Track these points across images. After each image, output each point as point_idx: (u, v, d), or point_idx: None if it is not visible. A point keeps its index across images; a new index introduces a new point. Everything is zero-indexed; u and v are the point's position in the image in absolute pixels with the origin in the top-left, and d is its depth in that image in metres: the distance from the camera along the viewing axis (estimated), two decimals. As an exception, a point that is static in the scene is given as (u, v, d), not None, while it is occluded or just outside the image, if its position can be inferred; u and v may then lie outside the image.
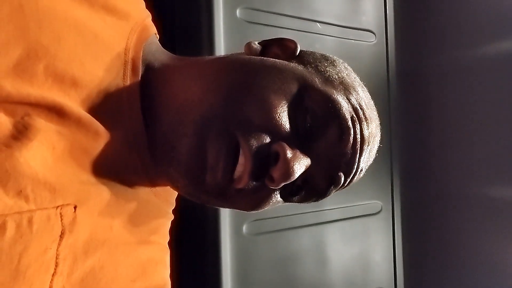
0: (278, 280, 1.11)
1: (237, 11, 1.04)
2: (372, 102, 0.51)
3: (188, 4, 1.04)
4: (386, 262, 1.36)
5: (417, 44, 1.50)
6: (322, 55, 0.53)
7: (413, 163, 1.49)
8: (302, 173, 0.44)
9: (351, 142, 0.45)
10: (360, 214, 1.29)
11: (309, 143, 0.44)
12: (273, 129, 0.43)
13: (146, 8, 0.52)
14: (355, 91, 0.48)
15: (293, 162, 0.42)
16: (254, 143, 0.41)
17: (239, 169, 0.41)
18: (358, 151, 0.46)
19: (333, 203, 1.21)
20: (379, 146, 0.52)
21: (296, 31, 1.14)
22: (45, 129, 0.37)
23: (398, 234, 1.39)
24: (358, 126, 0.46)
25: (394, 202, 1.38)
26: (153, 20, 0.52)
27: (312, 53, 0.52)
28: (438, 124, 1.48)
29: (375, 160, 0.53)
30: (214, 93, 0.43)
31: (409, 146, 1.48)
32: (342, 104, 0.45)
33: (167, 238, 0.54)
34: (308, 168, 0.44)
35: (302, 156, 0.43)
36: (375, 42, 1.34)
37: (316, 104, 0.45)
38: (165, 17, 1.06)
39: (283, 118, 0.43)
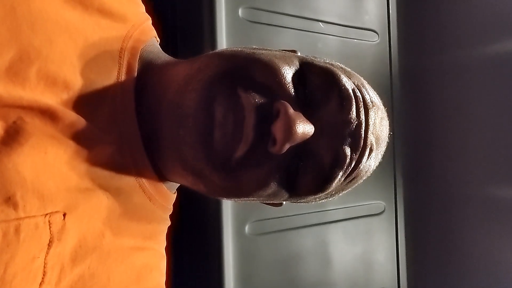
0: (280, 280, 1.11)
1: (239, 11, 1.04)
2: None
3: (190, 4, 1.04)
4: (389, 263, 1.35)
5: (420, 44, 1.50)
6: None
7: (416, 163, 1.48)
8: (305, 146, 0.42)
9: (354, 109, 0.44)
10: (363, 214, 1.29)
11: (312, 113, 0.43)
12: (277, 88, 0.42)
13: (148, 9, 0.52)
14: (355, 77, 0.48)
15: (295, 119, 0.40)
16: (256, 99, 0.41)
17: (245, 126, 0.40)
18: (364, 120, 0.44)
19: (336, 203, 1.21)
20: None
21: (299, 31, 1.13)
22: (37, 134, 0.37)
23: (401, 235, 1.38)
24: (360, 96, 0.45)
25: (397, 202, 1.37)
26: (155, 20, 0.52)
27: None
28: (441, 124, 1.47)
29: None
30: (217, 60, 0.44)
31: (412, 146, 1.47)
32: (342, 77, 0.45)
33: (163, 244, 0.52)
34: (311, 139, 0.42)
35: (305, 119, 0.42)
36: (378, 41, 1.34)
37: (317, 76, 0.44)
38: (167, 17, 1.06)
39: (287, 79, 0.43)
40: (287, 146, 0.41)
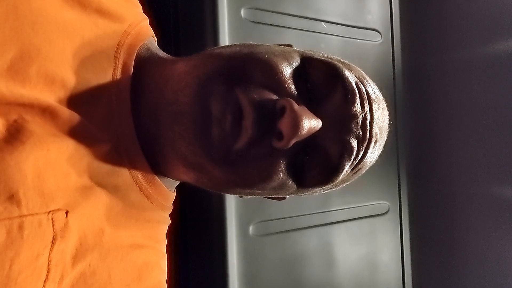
0: (285, 281, 1.11)
1: (242, 11, 1.04)
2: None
3: (192, 5, 1.04)
4: (394, 263, 1.35)
5: (423, 43, 1.49)
6: None
7: (420, 163, 1.48)
8: (311, 139, 0.42)
9: (359, 101, 0.44)
10: (367, 215, 1.28)
11: (315, 107, 0.43)
12: (277, 86, 0.42)
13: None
14: (356, 70, 0.48)
15: (302, 115, 0.40)
16: (256, 97, 0.41)
17: (244, 123, 0.40)
18: (368, 112, 0.44)
19: (340, 204, 1.21)
20: (386, 142, 0.50)
21: (301, 31, 1.13)
22: (39, 132, 0.37)
23: (406, 235, 1.38)
24: (363, 88, 0.45)
25: (402, 203, 1.37)
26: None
27: None
28: (445, 124, 1.47)
29: (382, 160, 0.52)
30: (213, 59, 0.44)
31: (416, 145, 1.47)
32: (344, 70, 0.45)
33: (164, 242, 0.52)
34: (317, 132, 0.42)
35: (311, 114, 0.42)
36: (380, 41, 1.34)
37: (319, 71, 0.44)
38: (169, 18, 1.06)
39: (287, 76, 0.43)
40: (293, 141, 0.41)
